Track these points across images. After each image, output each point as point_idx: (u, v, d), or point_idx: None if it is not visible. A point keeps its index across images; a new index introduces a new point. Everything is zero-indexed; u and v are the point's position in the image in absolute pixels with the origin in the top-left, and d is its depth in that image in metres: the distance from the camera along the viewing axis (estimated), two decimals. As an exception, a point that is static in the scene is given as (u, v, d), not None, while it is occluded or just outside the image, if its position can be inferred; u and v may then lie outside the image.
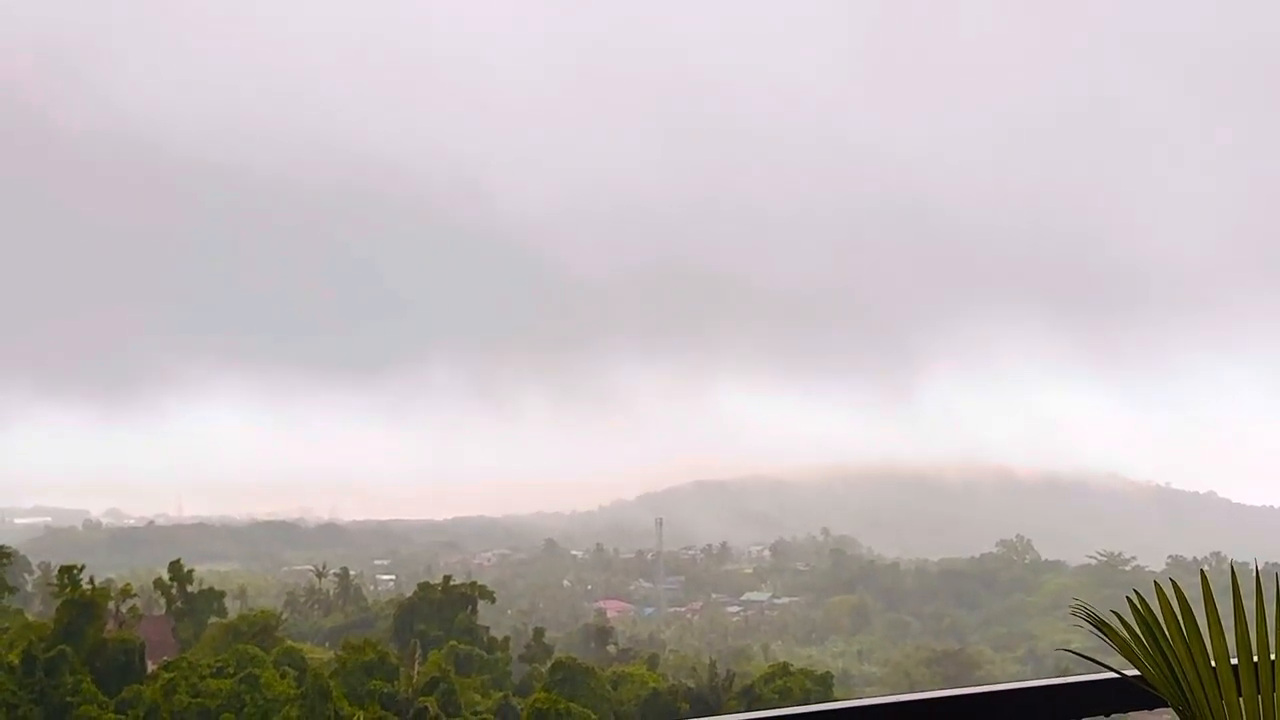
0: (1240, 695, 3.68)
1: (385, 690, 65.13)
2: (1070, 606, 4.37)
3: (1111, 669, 4.09)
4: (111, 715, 56.95)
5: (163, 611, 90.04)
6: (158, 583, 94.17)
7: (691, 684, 75.90)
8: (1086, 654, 4.29)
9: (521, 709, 64.71)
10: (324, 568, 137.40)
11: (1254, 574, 3.87)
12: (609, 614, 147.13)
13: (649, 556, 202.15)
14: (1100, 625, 3.86)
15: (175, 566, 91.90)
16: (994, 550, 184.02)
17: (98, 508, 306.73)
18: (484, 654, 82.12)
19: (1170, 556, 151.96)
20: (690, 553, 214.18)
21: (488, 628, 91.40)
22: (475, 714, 66.19)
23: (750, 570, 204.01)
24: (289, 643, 76.36)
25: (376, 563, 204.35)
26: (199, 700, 59.11)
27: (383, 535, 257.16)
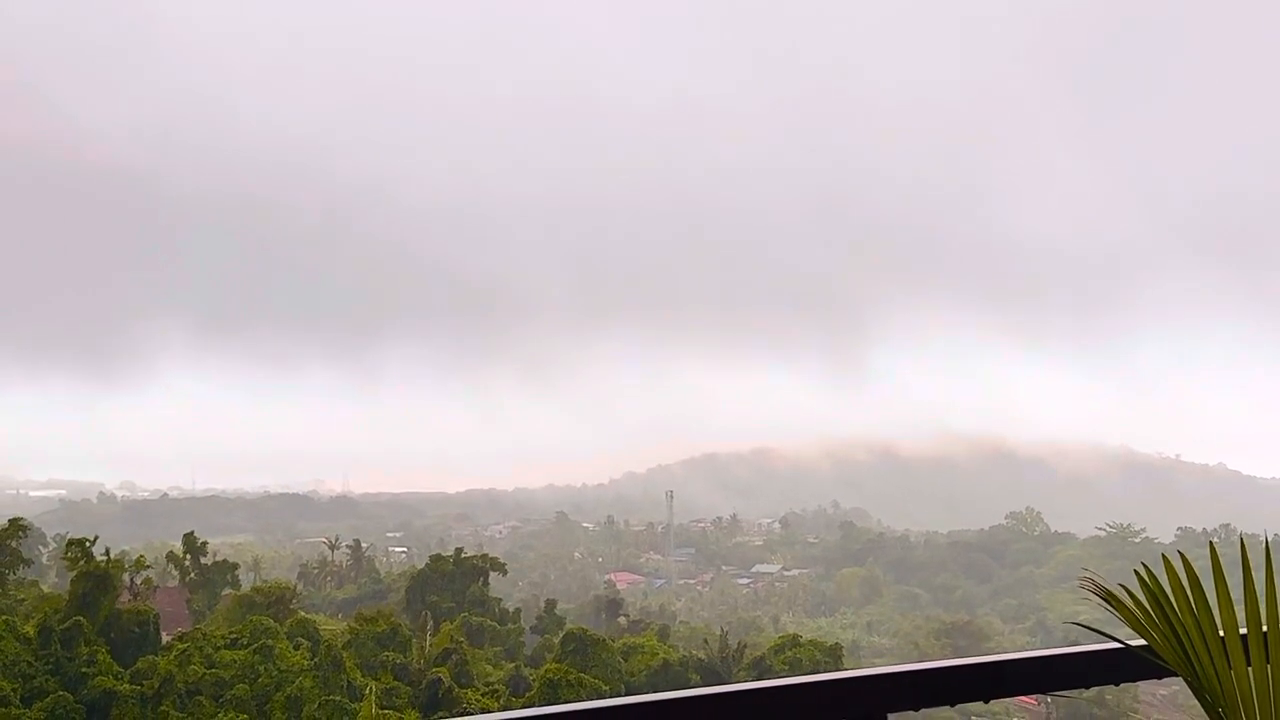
0: (1249, 665, 3.70)
1: (398, 661, 65.58)
2: (1079, 579, 4.38)
3: (1120, 641, 4.11)
4: (126, 686, 57.44)
5: (176, 583, 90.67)
6: (171, 555, 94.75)
7: (702, 655, 76.23)
8: (1096, 626, 4.30)
9: (533, 679, 65.09)
10: (337, 540, 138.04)
11: (1264, 545, 3.87)
12: (620, 586, 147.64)
13: (659, 529, 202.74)
14: (1108, 597, 3.88)
15: (189, 539, 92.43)
16: (1003, 522, 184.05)
17: (112, 481, 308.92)
18: (496, 625, 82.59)
19: (1179, 528, 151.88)
20: (700, 525, 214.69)
21: (499, 599, 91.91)
22: (487, 685, 66.62)
23: (760, 542, 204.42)
24: (302, 614, 76.84)
25: (389, 535, 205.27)
26: (213, 671, 59.58)
27: (395, 508, 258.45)
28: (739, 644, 78.86)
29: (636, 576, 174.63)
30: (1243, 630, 3.71)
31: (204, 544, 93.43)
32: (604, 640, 71.75)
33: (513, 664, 73.38)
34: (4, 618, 60.52)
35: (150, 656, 60.71)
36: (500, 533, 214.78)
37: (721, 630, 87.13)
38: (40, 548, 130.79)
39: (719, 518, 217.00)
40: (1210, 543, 4.19)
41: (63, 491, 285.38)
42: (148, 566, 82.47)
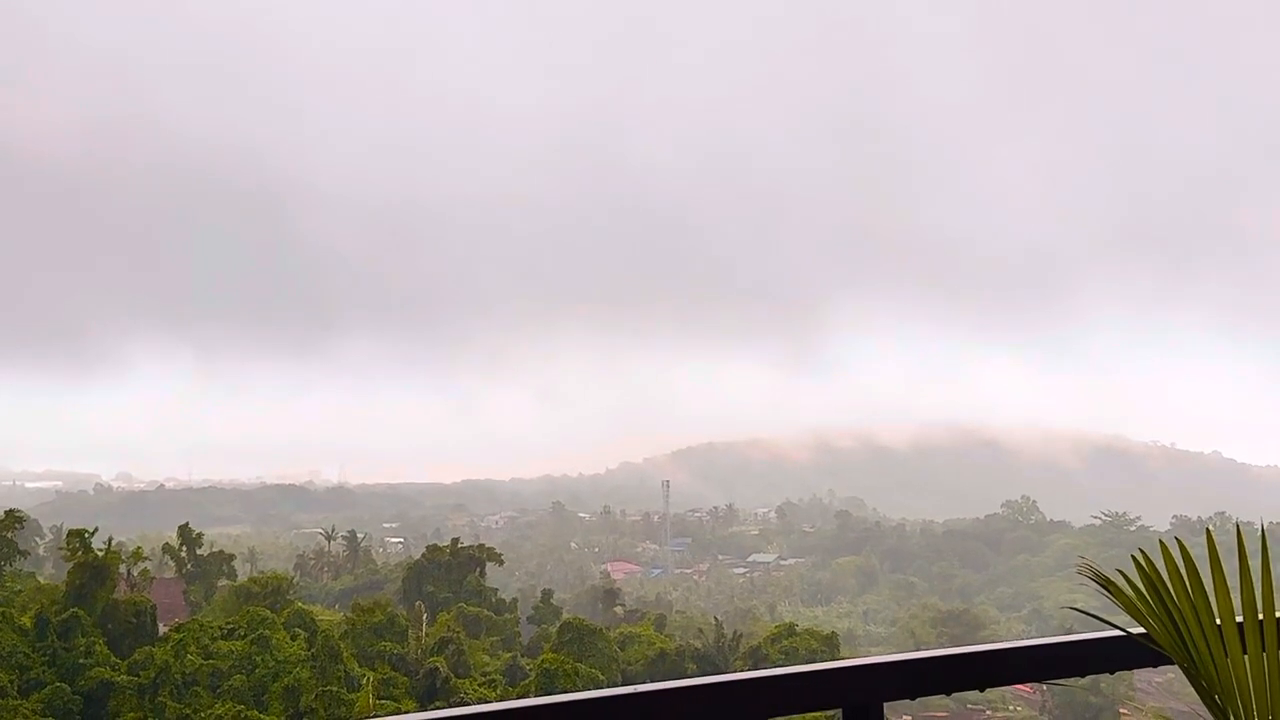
0: (1245, 653, 3.70)
1: (395, 651, 65.65)
2: (1076, 566, 4.38)
3: (1117, 627, 4.11)
4: (124, 676, 57.47)
5: (173, 574, 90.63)
6: (167, 546, 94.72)
7: (698, 644, 76.36)
8: (1092, 613, 4.30)
9: (530, 669, 65.20)
10: (333, 530, 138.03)
11: (1259, 532, 3.87)
12: (616, 575, 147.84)
13: (655, 519, 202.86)
14: (1105, 583, 3.88)
15: (185, 530, 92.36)
16: (999, 511, 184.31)
17: (108, 472, 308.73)
18: (492, 615, 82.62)
19: (1175, 516, 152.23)
20: (696, 515, 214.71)
21: (496, 589, 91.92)
22: (484, 675, 66.70)
23: (756, 532, 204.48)
24: (299, 605, 76.82)
25: (385, 525, 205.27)
26: (210, 661, 59.62)
27: (391, 498, 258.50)
28: (735, 633, 79.02)
29: (633, 566, 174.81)
30: (1239, 618, 3.71)
31: (200, 535, 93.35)
32: (600, 630, 71.88)
33: (509, 654, 73.48)
34: (1, 609, 60.50)
35: (147, 647, 60.69)
36: (496, 523, 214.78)
37: (717, 619, 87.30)
38: (37, 539, 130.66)
39: (715, 507, 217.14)
40: (1207, 530, 4.19)
41: (59, 483, 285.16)
42: (145, 558, 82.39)
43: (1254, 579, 3.73)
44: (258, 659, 60.60)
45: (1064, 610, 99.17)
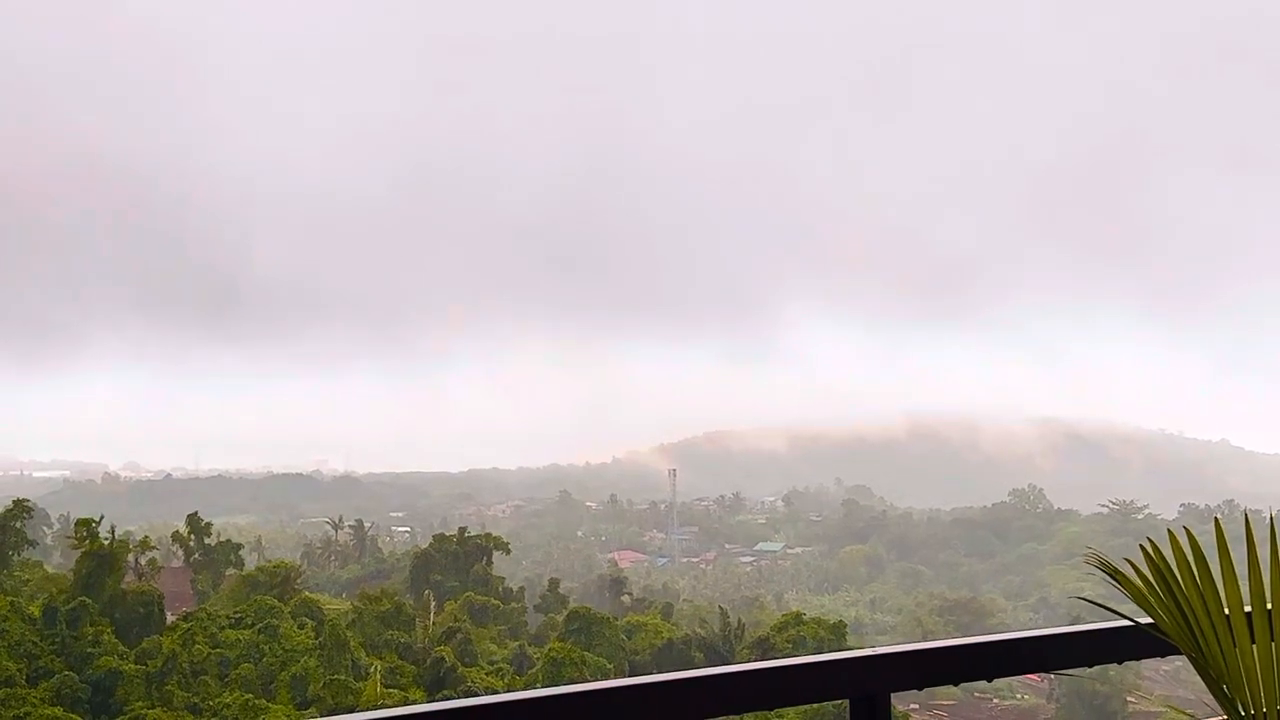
0: (1254, 642, 3.69)
1: (402, 640, 65.87)
2: (1084, 555, 4.36)
3: (1124, 616, 4.09)
4: (131, 665, 57.71)
5: (181, 564, 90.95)
6: (176, 535, 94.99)
7: (705, 633, 76.53)
8: (1099, 602, 4.29)
9: (537, 658, 65.35)
10: (340, 520, 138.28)
11: (1268, 521, 3.85)
12: (623, 564, 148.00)
13: (662, 507, 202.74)
14: (1113, 573, 3.86)
15: (193, 519, 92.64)
16: (1006, 499, 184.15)
17: (116, 461, 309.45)
18: (499, 604, 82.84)
19: (1182, 504, 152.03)
20: (703, 504, 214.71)
21: (503, 578, 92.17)
22: (491, 663, 66.88)
23: (763, 520, 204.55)
24: (306, 594, 77.10)
25: (392, 514, 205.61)
26: (218, 650, 59.86)
27: (398, 487, 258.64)
28: (741, 622, 79.15)
29: (640, 555, 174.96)
30: (1247, 608, 3.70)
31: (208, 524, 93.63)
32: (608, 619, 72.05)
33: (516, 642, 73.68)
34: (9, 598, 60.78)
35: (155, 636, 60.96)
36: (503, 512, 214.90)
37: (724, 609, 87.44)
38: (44, 528, 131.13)
39: (722, 496, 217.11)
40: (1215, 518, 4.17)
41: (67, 472, 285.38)
42: (152, 547, 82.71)
43: (1262, 568, 3.71)
44: (265, 648, 60.84)
45: (1071, 599, 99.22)
